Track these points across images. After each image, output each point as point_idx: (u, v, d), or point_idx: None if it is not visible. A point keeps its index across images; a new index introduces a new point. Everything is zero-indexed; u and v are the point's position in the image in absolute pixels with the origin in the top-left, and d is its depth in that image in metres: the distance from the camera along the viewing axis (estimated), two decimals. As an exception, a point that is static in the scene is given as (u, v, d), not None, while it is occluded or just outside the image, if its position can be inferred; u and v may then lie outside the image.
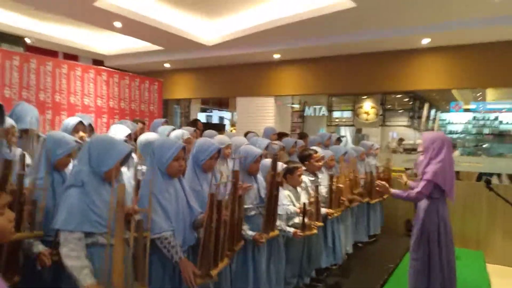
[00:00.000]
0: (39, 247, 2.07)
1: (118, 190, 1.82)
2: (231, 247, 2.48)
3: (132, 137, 3.63)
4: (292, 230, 3.16)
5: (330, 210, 3.78)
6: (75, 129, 3.02)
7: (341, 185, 4.00)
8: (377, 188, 3.67)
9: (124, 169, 2.69)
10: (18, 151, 2.51)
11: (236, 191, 2.47)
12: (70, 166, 2.38)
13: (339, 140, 5.90)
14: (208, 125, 8.78)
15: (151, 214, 2.02)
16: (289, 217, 3.29)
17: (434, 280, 3.35)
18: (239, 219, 2.59)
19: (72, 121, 3.12)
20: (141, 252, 1.90)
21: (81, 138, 3.04)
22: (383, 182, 3.72)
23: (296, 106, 10.03)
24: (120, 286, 1.79)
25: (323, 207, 3.75)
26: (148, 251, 1.94)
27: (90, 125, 3.55)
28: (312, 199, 3.41)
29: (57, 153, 2.24)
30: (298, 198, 3.51)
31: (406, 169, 6.88)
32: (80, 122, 3.12)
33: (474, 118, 12.28)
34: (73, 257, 1.82)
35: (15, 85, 5.17)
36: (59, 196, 2.23)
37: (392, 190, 3.61)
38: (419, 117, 10.89)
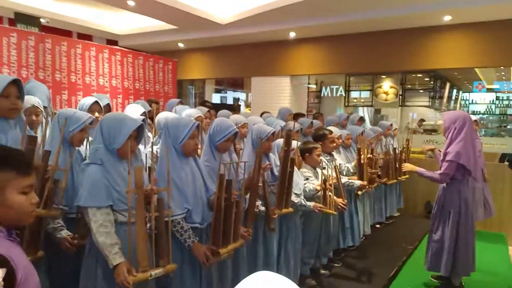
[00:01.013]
0: (62, 233, 2.10)
1: (136, 171, 1.82)
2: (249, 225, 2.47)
3: (148, 116, 3.60)
4: (311, 204, 3.11)
5: (363, 182, 3.73)
6: (90, 110, 2.99)
7: (370, 156, 3.94)
8: (403, 169, 3.65)
9: (141, 147, 2.67)
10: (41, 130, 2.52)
11: (259, 172, 2.44)
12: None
13: (361, 120, 5.75)
14: (222, 106, 8.72)
15: (169, 192, 2.00)
16: (307, 195, 3.23)
17: (453, 261, 3.29)
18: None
19: (87, 101, 3.09)
20: (163, 230, 1.91)
21: (96, 118, 3.01)
22: (408, 164, 3.69)
23: (313, 86, 9.86)
24: (145, 266, 1.82)
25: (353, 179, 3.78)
26: (170, 229, 1.95)
27: (108, 105, 3.53)
28: (332, 180, 3.33)
29: (70, 129, 2.24)
30: (316, 178, 3.45)
31: (430, 157, 6.73)
32: (96, 102, 3.09)
33: (498, 98, 11.92)
34: (103, 232, 1.83)
35: (31, 65, 5.18)
36: (76, 173, 2.25)
37: (417, 169, 3.54)
38: (440, 97, 10.59)
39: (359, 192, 3.79)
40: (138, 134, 2.03)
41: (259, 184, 2.62)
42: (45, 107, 2.76)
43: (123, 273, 1.76)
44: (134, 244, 1.83)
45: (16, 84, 2.05)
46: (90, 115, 2.42)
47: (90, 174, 1.90)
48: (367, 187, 3.86)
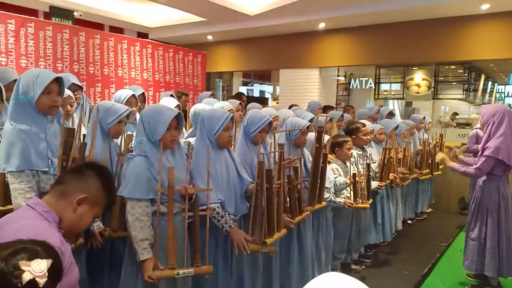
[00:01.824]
0: (94, 224, 2.14)
1: (169, 171, 1.84)
2: (292, 217, 2.46)
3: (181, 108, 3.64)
4: (342, 200, 3.07)
5: (381, 183, 3.64)
6: (127, 102, 3.03)
7: (392, 156, 3.83)
8: (436, 160, 3.54)
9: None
10: (75, 121, 2.57)
11: (281, 164, 2.42)
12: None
13: (391, 114, 5.63)
14: (250, 99, 8.70)
15: (209, 192, 2.01)
16: (337, 189, 3.19)
17: (493, 261, 3.17)
18: (294, 192, 2.54)
19: (124, 93, 3.14)
20: (197, 230, 1.93)
21: (133, 111, 3.05)
22: (442, 154, 3.57)
23: (342, 78, 9.69)
24: (172, 263, 1.85)
25: (372, 181, 3.63)
26: (208, 229, 1.94)
27: (143, 94, 3.60)
28: (363, 177, 3.27)
29: (108, 121, 2.29)
30: (346, 173, 3.40)
31: (462, 144, 6.51)
32: (133, 96, 3.14)
33: (536, 90, 11.39)
34: (137, 227, 1.87)
35: (66, 58, 5.31)
36: (114, 164, 2.29)
37: (451, 163, 3.43)
38: (475, 90, 10.21)
39: (370, 201, 3.68)
40: (178, 124, 2.05)
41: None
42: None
43: (149, 269, 1.81)
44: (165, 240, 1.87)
45: (58, 81, 2.07)
46: (127, 107, 2.45)
47: (134, 166, 1.95)
48: (384, 185, 3.73)
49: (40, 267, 0.89)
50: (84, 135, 2.36)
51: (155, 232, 1.90)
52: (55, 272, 0.95)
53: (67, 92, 2.59)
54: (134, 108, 3.02)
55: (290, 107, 5.34)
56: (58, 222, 1.28)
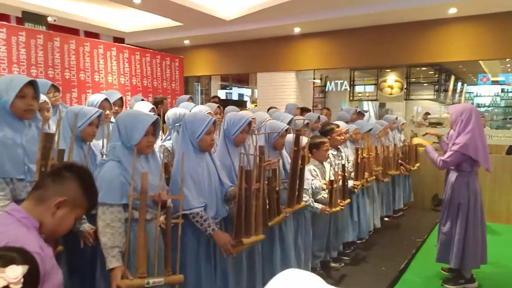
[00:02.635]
0: (84, 226, 2.12)
1: (142, 177, 1.82)
2: (264, 221, 2.50)
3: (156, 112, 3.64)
4: (319, 206, 3.15)
5: (356, 182, 3.74)
6: (100, 107, 3.01)
7: (366, 156, 3.95)
8: (413, 143, 3.67)
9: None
10: (53, 127, 2.53)
11: (261, 166, 2.46)
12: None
13: (360, 114, 5.77)
14: (229, 102, 8.74)
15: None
16: (314, 191, 3.27)
17: (462, 254, 3.31)
18: (273, 193, 2.59)
19: (97, 98, 3.11)
20: (169, 239, 1.89)
21: (106, 115, 3.04)
22: (419, 138, 3.73)
23: (318, 81, 9.86)
24: (142, 272, 1.81)
25: (349, 179, 3.75)
26: (179, 238, 1.92)
27: (120, 99, 3.57)
28: (340, 177, 3.36)
29: (78, 125, 2.26)
30: (323, 172, 3.48)
31: (434, 143, 6.73)
32: (106, 100, 3.11)
33: (503, 90, 11.88)
34: (108, 233, 1.84)
35: (40, 63, 5.22)
36: (90, 169, 2.27)
37: (427, 146, 3.58)
38: (445, 91, 10.58)
39: (355, 190, 3.81)
40: (154, 130, 2.06)
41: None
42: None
43: (117, 278, 1.76)
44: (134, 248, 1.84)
45: (32, 85, 2.05)
46: (97, 109, 2.43)
47: (107, 171, 1.92)
48: (358, 186, 3.85)
49: (14, 274, 0.89)
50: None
51: (127, 239, 1.87)
52: (31, 279, 0.94)
53: (43, 97, 2.57)
54: (108, 112, 3.00)
55: (268, 110, 5.41)
56: (38, 228, 1.26)
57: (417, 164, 5.32)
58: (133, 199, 1.86)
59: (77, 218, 1.40)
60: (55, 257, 1.94)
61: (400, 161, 4.95)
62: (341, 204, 3.33)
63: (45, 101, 2.53)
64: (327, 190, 3.23)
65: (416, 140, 3.82)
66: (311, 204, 3.14)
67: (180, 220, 1.94)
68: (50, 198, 1.29)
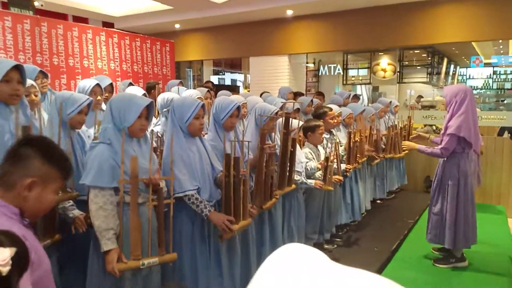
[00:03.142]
0: (74, 212, 2.11)
1: (131, 161, 1.81)
2: (260, 204, 2.51)
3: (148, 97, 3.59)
4: (313, 181, 3.17)
5: (348, 166, 3.76)
6: (92, 92, 2.96)
7: (357, 139, 3.96)
8: (404, 148, 3.69)
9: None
10: (44, 114, 2.50)
11: (263, 149, 2.46)
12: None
13: (356, 97, 5.77)
14: (221, 87, 8.68)
15: (173, 179, 2.03)
16: (309, 173, 3.28)
17: (452, 234, 3.35)
18: (269, 177, 2.60)
19: (88, 83, 3.06)
20: (162, 220, 1.91)
21: (98, 101, 3.00)
22: (408, 142, 3.72)
23: (311, 65, 9.81)
24: (137, 254, 1.83)
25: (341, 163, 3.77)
26: (172, 218, 1.95)
27: (111, 84, 3.51)
28: (332, 157, 3.38)
29: (67, 112, 2.21)
30: (318, 156, 3.49)
31: (425, 125, 6.76)
32: (97, 85, 3.06)
33: (495, 72, 11.91)
34: (101, 216, 1.83)
35: (28, 49, 5.12)
36: (78, 155, 2.26)
37: (418, 146, 3.57)
38: (438, 73, 10.58)
39: (347, 174, 3.83)
40: (148, 113, 2.04)
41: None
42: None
43: (112, 260, 1.78)
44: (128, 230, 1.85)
45: (18, 69, 2.00)
46: (88, 96, 2.39)
47: (97, 154, 1.91)
48: (352, 169, 3.89)
49: (2, 256, 0.87)
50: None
51: (120, 222, 1.87)
52: (20, 261, 0.93)
53: (30, 81, 2.52)
54: (99, 98, 2.96)
55: (261, 95, 5.38)
56: (18, 214, 1.20)
57: (400, 155, 5.31)
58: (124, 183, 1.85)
59: (58, 190, 1.32)
60: (53, 245, 1.98)
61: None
62: (336, 179, 3.35)
63: (32, 85, 2.48)
64: (321, 171, 3.25)
65: (408, 145, 3.77)
66: (304, 180, 3.15)
67: (172, 201, 1.96)
68: (16, 182, 1.20)
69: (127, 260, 1.82)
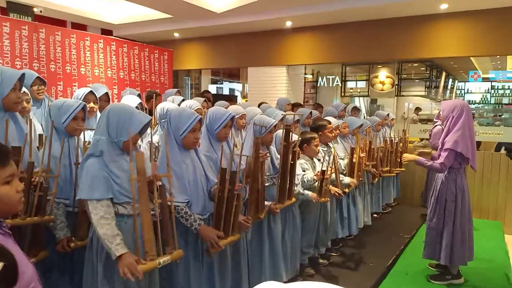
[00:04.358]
0: (60, 233, 2.09)
1: (138, 158, 1.80)
2: (256, 214, 2.47)
3: (143, 107, 3.57)
4: (310, 193, 3.14)
5: (354, 180, 3.74)
6: (85, 100, 2.93)
7: (363, 155, 3.95)
8: (403, 161, 3.68)
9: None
10: (37, 123, 2.48)
11: (258, 158, 2.43)
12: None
13: (356, 109, 5.76)
14: (220, 97, 8.67)
15: (171, 179, 2.00)
16: (305, 186, 3.24)
17: (451, 251, 3.30)
18: (263, 186, 2.56)
19: (82, 91, 3.04)
20: (167, 216, 1.90)
21: (91, 109, 2.97)
22: (407, 154, 3.71)
23: (309, 76, 9.83)
24: (153, 255, 1.80)
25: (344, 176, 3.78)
26: (174, 215, 1.95)
27: (106, 94, 3.48)
28: (330, 170, 3.35)
29: (62, 121, 2.19)
30: (313, 168, 3.46)
31: (421, 139, 6.75)
32: (91, 92, 3.04)
33: (493, 87, 11.97)
34: (104, 224, 1.80)
35: (25, 55, 5.10)
36: (73, 163, 2.22)
37: (417, 158, 3.53)
38: (436, 87, 10.62)
39: (346, 190, 3.80)
40: (142, 128, 2.01)
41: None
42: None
43: (132, 262, 1.72)
44: (139, 234, 1.82)
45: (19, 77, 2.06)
46: (80, 101, 2.36)
47: (88, 167, 1.88)
48: (356, 185, 3.89)
49: None
50: (45, 137, 2.28)
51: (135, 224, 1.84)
52: (9, 275, 0.91)
53: (23, 88, 2.50)
54: (92, 105, 2.92)
55: (259, 105, 5.37)
56: None
57: (402, 169, 5.29)
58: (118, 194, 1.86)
59: (9, 178, 1.15)
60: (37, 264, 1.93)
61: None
62: (337, 192, 3.36)
63: (24, 92, 2.45)
64: (317, 183, 3.22)
65: (407, 157, 3.75)
66: (301, 191, 3.12)
67: (172, 198, 1.95)
68: None
69: (145, 261, 1.78)
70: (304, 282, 0.55)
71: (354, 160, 3.86)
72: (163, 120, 3.22)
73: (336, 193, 3.37)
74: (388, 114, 5.72)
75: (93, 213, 1.82)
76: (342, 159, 4.10)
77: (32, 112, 2.79)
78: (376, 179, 4.65)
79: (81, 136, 2.35)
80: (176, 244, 1.94)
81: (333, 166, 3.44)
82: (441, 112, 3.50)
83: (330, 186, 3.38)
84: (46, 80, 3.27)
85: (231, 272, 2.47)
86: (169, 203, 1.93)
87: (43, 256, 2.02)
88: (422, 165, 3.52)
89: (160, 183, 1.92)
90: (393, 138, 5.21)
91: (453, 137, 3.24)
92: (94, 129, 2.41)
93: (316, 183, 3.24)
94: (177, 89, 5.01)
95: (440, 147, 3.37)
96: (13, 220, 1.85)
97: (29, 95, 2.57)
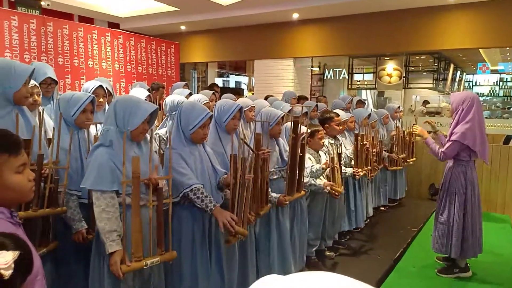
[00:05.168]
0: (78, 225, 2.13)
1: (133, 162, 1.80)
2: (256, 210, 2.47)
3: (152, 100, 3.58)
4: (322, 182, 3.13)
5: (357, 169, 3.71)
6: (94, 94, 2.95)
7: (366, 143, 3.91)
8: (414, 132, 3.67)
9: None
10: (46, 117, 2.50)
11: (258, 154, 2.43)
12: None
13: (361, 102, 5.72)
14: (226, 90, 8.67)
15: (171, 180, 2.02)
16: (314, 175, 3.24)
17: (457, 243, 3.30)
18: (264, 182, 2.56)
19: (91, 85, 3.05)
20: (161, 220, 1.92)
21: (100, 103, 2.98)
22: (420, 128, 3.67)
23: (316, 69, 9.78)
24: (139, 256, 1.83)
25: (347, 168, 3.75)
26: (171, 217, 1.96)
27: (108, 90, 3.46)
28: (336, 165, 3.33)
29: (71, 113, 2.21)
30: (319, 161, 3.45)
31: (429, 132, 6.70)
32: (100, 86, 3.05)
33: (502, 79, 11.82)
34: (104, 218, 1.82)
35: (34, 49, 5.14)
36: (85, 156, 2.25)
37: (428, 137, 3.51)
38: (444, 79, 10.52)
39: (357, 177, 3.77)
40: (150, 118, 2.03)
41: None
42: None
43: (116, 263, 1.78)
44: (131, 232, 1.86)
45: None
46: (90, 94, 2.38)
47: (97, 157, 1.90)
48: (362, 174, 3.82)
49: (4, 259, 0.87)
50: (54, 128, 2.30)
51: (123, 224, 1.87)
52: (23, 265, 0.92)
53: (32, 82, 2.52)
54: (101, 100, 2.94)
55: (266, 98, 5.36)
56: (4, 211, 1.15)
57: (413, 159, 5.26)
58: (126, 185, 1.85)
59: (21, 167, 1.17)
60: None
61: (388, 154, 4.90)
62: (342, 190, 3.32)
63: (35, 85, 2.47)
64: (328, 171, 3.21)
65: (418, 130, 3.70)
66: (312, 182, 3.11)
67: (170, 200, 1.96)
68: None
69: (131, 263, 1.82)
70: (304, 272, 0.56)
71: (358, 147, 3.81)
72: (174, 113, 3.23)
73: (334, 194, 3.31)
74: (399, 107, 5.66)
75: (96, 205, 1.86)
76: (348, 150, 4.08)
77: (41, 108, 2.81)
78: (375, 173, 4.52)
79: (91, 129, 2.36)
80: (170, 245, 1.96)
81: (338, 160, 3.40)
82: (450, 104, 3.47)
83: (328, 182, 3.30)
84: (57, 80, 3.26)
85: (238, 266, 2.48)
86: (166, 207, 1.96)
87: (52, 247, 2.05)
88: (428, 144, 3.48)
89: (159, 186, 1.93)
90: (403, 130, 5.18)
91: (461, 129, 3.22)
92: (99, 123, 2.44)
93: (326, 171, 3.23)
94: (185, 82, 5.01)
95: (448, 138, 3.35)
96: (26, 212, 1.88)
97: (39, 87, 2.59)
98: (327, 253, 3.73)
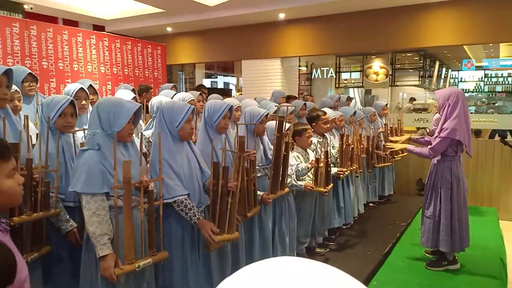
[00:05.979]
0: (67, 225, 2.11)
1: (124, 166, 1.79)
2: (244, 212, 2.47)
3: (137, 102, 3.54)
4: (303, 183, 3.14)
5: (341, 169, 3.73)
6: (76, 97, 2.91)
7: (351, 143, 3.93)
8: (396, 149, 3.70)
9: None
10: (30, 123, 2.46)
11: (240, 157, 2.43)
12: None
13: (349, 99, 5.77)
14: (214, 91, 8.66)
15: (161, 181, 2.01)
16: (300, 174, 3.26)
17: (446, 237, 3.34)
18: (251, 184, 2.56)
19: (72, 87, 2.99)
20: (152, 222, 1.92)
21: (83, 105, 2.93)
22: (396, 144, 3.72)
23: (303, 68, 9.82)
24: (131, 259, 1.83)
25: (333, 167, 3.74)
26: (162, 218, 1.96)
27: (91, 86, 3.40)
28: (322, 163, 3.34)
29: (51, 117, 2.17)
30: (307, 159, 3.47)
31: (418, 128, 6.78)
32: (81, 89, 3.00)
33: (486, 75, 12.02)
34: (95, 222, 1.81)
35: (17, 53, 5.07)
36: (68, 160, 2.23)
37: (406, 146, 3.57)
38: (430, 76, 10.65)
39: (341, 176, 3.79)
40: (135, 118, 2.02)
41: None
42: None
43: (109, 267, 1.77)
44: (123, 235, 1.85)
45: (6, 73, 2.00)
46: (68, 97, 2.32)
47: (86, 160, 1.87)
48: (347, 173, 3.85)
49: None
50: (37, 134, 2.27)
51: (114, 227, 1.87)
52: (5, 272, 0.91)
53: (14, 87, 2.48)
54: (84, 102, 2.90)
55: (255, 99, 5.36)
56: None
57: (403, 154, 5.31)
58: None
59: (10, 172, 1.17)
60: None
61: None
62: (325, 188, 3.32)
63: (16, 90, 2.44)
64: (312, 170, 3.22)
65: (399, 146, 3.77)
66: (294, 182, 3.13)
67: (160, 202, 1.97)
68: None
69: (123, 265, 1.82)
70: (278, 258, 0.56)
71: (343, 146, 3.83)
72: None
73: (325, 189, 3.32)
74: (386, 104, 5.71)
75: (86, 208, 1.83)
76: (335, 148, 4.10)
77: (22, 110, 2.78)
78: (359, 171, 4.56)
79: (79, 134, 2.34)
80: (162, 246, 1.97)
81: (325, 157, 3.41)
82: (436, 101, 3.51)
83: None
84: (38, 77, 3.23)
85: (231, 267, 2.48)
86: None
87: (45, 251, 2.03)
88: (411, 152, 3.54)
89: (150, 188, 1.93)
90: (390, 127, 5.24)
91: (450, 125, 3.25)
92: (85, 129, 2.42)
93: (311, 171, 3.25)
94: (172, 84, 4.99)
95: (437, 134, 3.38)
96: (20, 217, 1.86)
97: (20, 92, 2.55)
98: (318, 250, 3.75)
